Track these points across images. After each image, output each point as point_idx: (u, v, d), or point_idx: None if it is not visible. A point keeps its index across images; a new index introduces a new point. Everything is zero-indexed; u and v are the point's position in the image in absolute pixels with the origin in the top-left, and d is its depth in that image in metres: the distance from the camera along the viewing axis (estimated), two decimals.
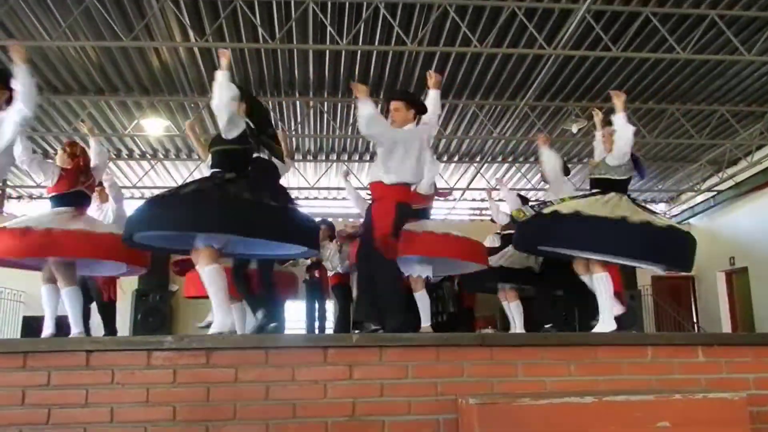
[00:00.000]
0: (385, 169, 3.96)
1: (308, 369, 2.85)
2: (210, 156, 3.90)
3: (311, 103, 9.12)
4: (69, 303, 4.41)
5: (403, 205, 3.93)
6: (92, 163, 4.84)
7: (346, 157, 11.23)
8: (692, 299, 13.16)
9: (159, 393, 2.74)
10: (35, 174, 4.69)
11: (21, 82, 3.62)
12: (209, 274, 3.47)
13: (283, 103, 9.09)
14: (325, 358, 2.88)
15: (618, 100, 4.25)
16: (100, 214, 5.68)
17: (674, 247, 4.05)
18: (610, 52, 7.16)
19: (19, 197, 12.72)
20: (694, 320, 12.71)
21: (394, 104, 4.16)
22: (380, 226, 3.84)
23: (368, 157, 11.21)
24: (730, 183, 11.42)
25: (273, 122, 9.32)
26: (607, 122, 4.56)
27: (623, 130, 4.16)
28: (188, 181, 3.60)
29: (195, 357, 2.81)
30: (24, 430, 2.65)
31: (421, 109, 4.17)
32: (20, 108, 3.62)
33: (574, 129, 9.49)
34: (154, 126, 9.42)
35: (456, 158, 11.42)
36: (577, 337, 3.39)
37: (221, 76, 3.76)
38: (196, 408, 2.74)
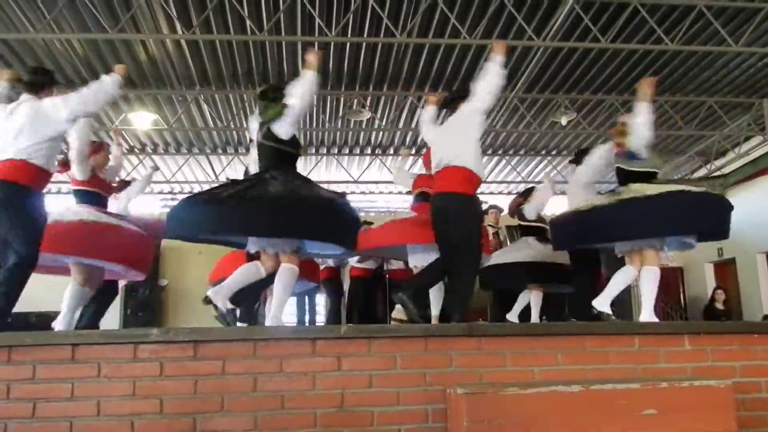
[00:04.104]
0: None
1: (297, 360, 2.85)
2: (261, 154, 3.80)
3: None
4: (71, 299, 4.43)
5: None
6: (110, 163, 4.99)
7: (336, 150, 11.20)
8: (680, 290, 13.27)
9: (146, 386, 2.73)
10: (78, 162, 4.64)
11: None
12: (291, 272, 3.61)
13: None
14: (313, 350, 2.88)
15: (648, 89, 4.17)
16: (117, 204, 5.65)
17: (713, 214, 4.07)
18: (599, 44, 7.16)
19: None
20: (682, 311, 12.82)
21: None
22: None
23: (358, 151, 11.19)
24: (719, 174, 11.50)
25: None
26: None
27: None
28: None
29: (182, 349, 2.80)
30: (9, 424, 2.63)
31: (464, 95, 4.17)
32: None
33: (564, 121, 9.50)
34: (142, 120, 9.35)
35: None
36: (565, 327, 3.41)
37: (313, 76, 3.71)
38: (184, 401, 2.74)
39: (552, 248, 5.09)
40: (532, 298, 6.07)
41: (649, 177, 4.22)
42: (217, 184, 3.93)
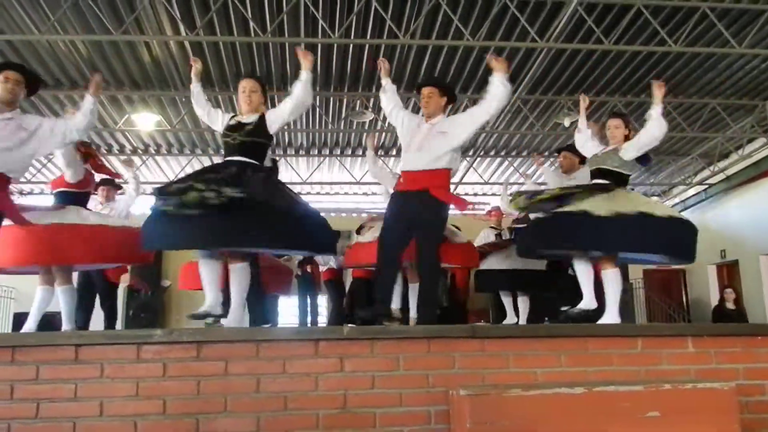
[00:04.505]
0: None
1: (299, 361, 2.85)
2: (232, 141, 3.72)
3: None
4: (66, 300, 4.43)
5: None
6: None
7: (338, 151, 11.21)
8: (683, 292, 13.24)
9: (149, 386, 2.73)
10: (67, 163, 4.62)
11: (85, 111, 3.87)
12: (243, 271, 3.60)
13: (275, 97, 9.03)
14: (316, 351, 2.88)
15: (659, 91, 4.10)
16: (110, 212, 5.67)
17: (677, 238, 3.99)
18: (602, 45, 7.16)
19: (22, 192, 12.62)
20: (685, 313, 12.79)
21: (427, 90, 4.06)
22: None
23: (360, 152, 11.19)
24: (722, 176, 11.48)
25: None
26: (612, 114, 4.51)
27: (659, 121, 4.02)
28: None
29: (185, 350, 2.80)
30: (12, 424, 2.63)
31: (453, 99, 4.16)
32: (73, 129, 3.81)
33: (567, 122, 9.50)
34: (146, 121, 9.37)
35: None
36: (568, 329, 3.40)
37: (309, 75, 3.76)
38: (187, 401, 2.74)
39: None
40: (519, 302, 6.19)
41: (624, 180, 4.17)
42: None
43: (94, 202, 5.40)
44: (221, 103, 9.14)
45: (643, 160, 4.23)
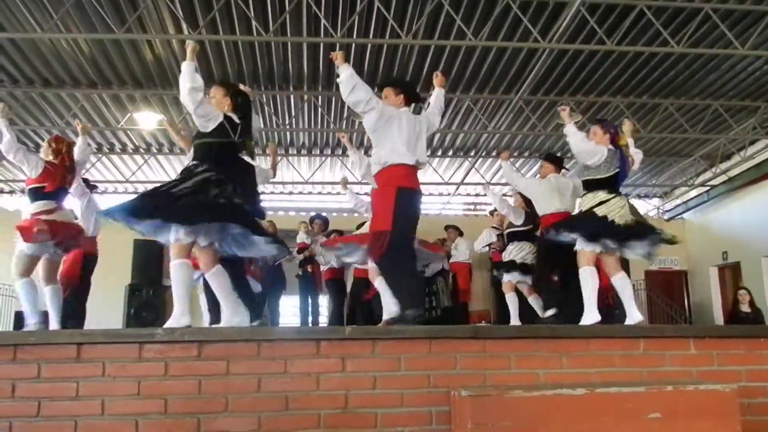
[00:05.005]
0: (376, 150, 3.96)
1: (301, 361, 2.85)
2: (192, 149, 3.88)
3: (305, 97, 9.09)
4: (53, 299, 4.46)
5: (404, 189, 3.84)
6: (75, 158, 4.86)
7: (340, 151, 11.20)
8: (685, 294, 13.22)
9: (150, 385, 2.73)
10: (20, 163, 4.70)
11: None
12: (175, 268, 3.55)
13: (277, 96, 9.06)
14: (317, 351, 2.88)
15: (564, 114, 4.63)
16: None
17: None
18: (604, 46, 7.14)
19: (11, 192, 12.64)
20: (687, 314, 12.77)
21: (383, 92, 4.19)
22: (379, 217, 3.84)
23: (363, 152, 11.17)
24: (724, 178, 11.46)
25: (262, 130, 9.35)
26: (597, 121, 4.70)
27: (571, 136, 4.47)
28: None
29: (186, 349, 2.80)
30: (14, 422, 2.63)
31: (412, 96, 4.18)
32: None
33: None
34: (147, 120, 9.37)
35: (450, 152, 11.42)
36: (570, 330, 3.40)
37: (185, 66, 3.72)
38: (188, 400, 2.74)
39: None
40: (508, 299, 6.26)
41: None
42: None
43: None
44: None
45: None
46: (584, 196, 4.40)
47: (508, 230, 6.64)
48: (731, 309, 8.65)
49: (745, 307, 8.30)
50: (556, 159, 6.00)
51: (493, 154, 10.93)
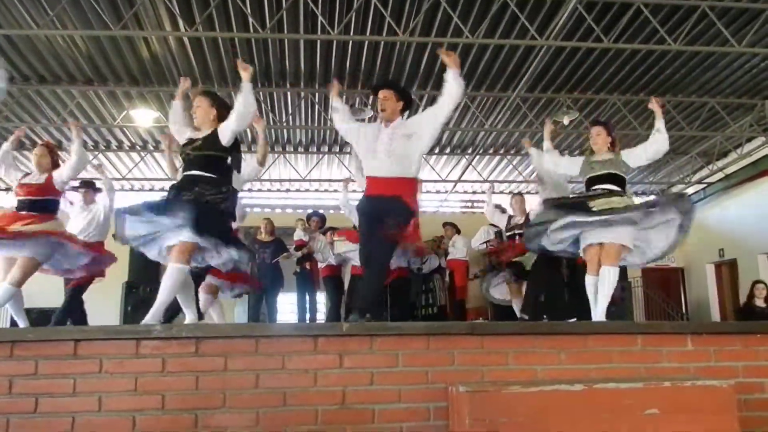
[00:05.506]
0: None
1: (298, 358, 2.84)
2: (192, 155, 3.75)
3: (302, 94, 9.08)
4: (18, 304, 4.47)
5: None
6: (72, 163, 4.73)
7: (337, 149, 11.19)
8: (682, 290, 13.26)
9: (148, 382, 2.73)
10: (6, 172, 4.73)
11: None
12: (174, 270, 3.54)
13: (274, 93, 9.04)
14: (315, 347, 2.87)
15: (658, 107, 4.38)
16: (88, 215, 5.68)
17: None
18: (601, 44, 7.15)
19: (8, 189, 12.59)
20: (684, 311, 12.82)
21: (383, 93, 4.03)
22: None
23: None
24: (720, 175, 11.50)
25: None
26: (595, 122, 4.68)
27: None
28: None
29: (184, 346, 2.79)
30: (11, 419, 2.62)
31: (409, 103, 4.12)
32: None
33: (566, 121, 9.49)
34: (144, 117, 9.34)
35: (447, 150, 11.41)
36: (568, 326, 3.40)
37: (249, 86, 3.72)
38: (186, 397, 2.73)
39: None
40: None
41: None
42: None
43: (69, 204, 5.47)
44: None
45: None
46: None
47: (509, 232, 6.62)
48: (745, 302, 8.24)
49: (760, 302, 7.83)
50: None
51: (512, 150, 10.91)
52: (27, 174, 4.71)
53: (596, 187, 4.26)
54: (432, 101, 4.83)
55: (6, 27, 6.83)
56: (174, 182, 3.93)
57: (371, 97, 9.06)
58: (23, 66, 7.92)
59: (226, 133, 3.68)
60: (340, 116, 4.16)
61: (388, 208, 3.77)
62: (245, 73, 3.71)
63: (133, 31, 7.02)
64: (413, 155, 3.87)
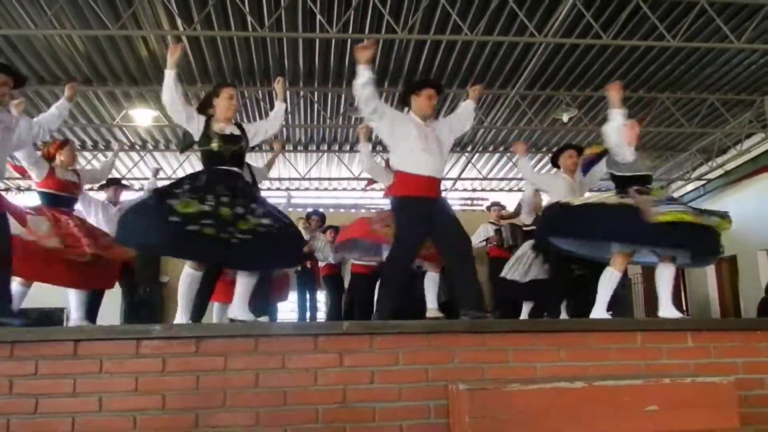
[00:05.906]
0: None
1: (299, 357, 2.85)
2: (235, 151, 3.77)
3: (301, 93, 9.07)
4: None
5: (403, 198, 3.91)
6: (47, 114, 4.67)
7: (336, 147, 11.19)
8: (682, 287, 13.25)
9: (148, 381, 2.73)
10: (31, 169, 4.72)
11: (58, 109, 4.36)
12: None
13: (272, 92, 9.02)
14: (315, 346, 2.88)
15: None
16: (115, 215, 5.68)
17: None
18: (600, 40, 7.13)
19: (7, 189, 12.59)
20: (684, 308, 12.81)
21: (430, 92, 4.09)
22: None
23: (359, 148, 11.15)
24: (720, 172, 11.48)
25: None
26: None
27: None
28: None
29: (184, 345, 2.80)
30: (11, 419, 2.62)
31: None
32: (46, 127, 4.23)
33: (565, 118, 9.48)
34: (143, 116, 9.33)
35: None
36: (568, 323, 3.41)
37: (283, 106, 3.99)
38: (186, 396, 2.73)
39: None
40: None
41: (645, 181, 4.31)
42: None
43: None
44: None
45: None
46: None
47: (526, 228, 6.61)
48: (765, 298, 8.05)
49: None
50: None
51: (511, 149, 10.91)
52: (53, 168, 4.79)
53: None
54: None
55: (4, 27, 6.81)
56: (226, 168, 3.71)
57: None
58: (22, 66, 7.89)
59: (256, 140, 3.85)
60: (372, 90, 3.95)
61: (438, 210, 3.91)
62: (281, 91, 4.05)
63: (132, 31, 7.00)
64: (445, 158, 4.13)
